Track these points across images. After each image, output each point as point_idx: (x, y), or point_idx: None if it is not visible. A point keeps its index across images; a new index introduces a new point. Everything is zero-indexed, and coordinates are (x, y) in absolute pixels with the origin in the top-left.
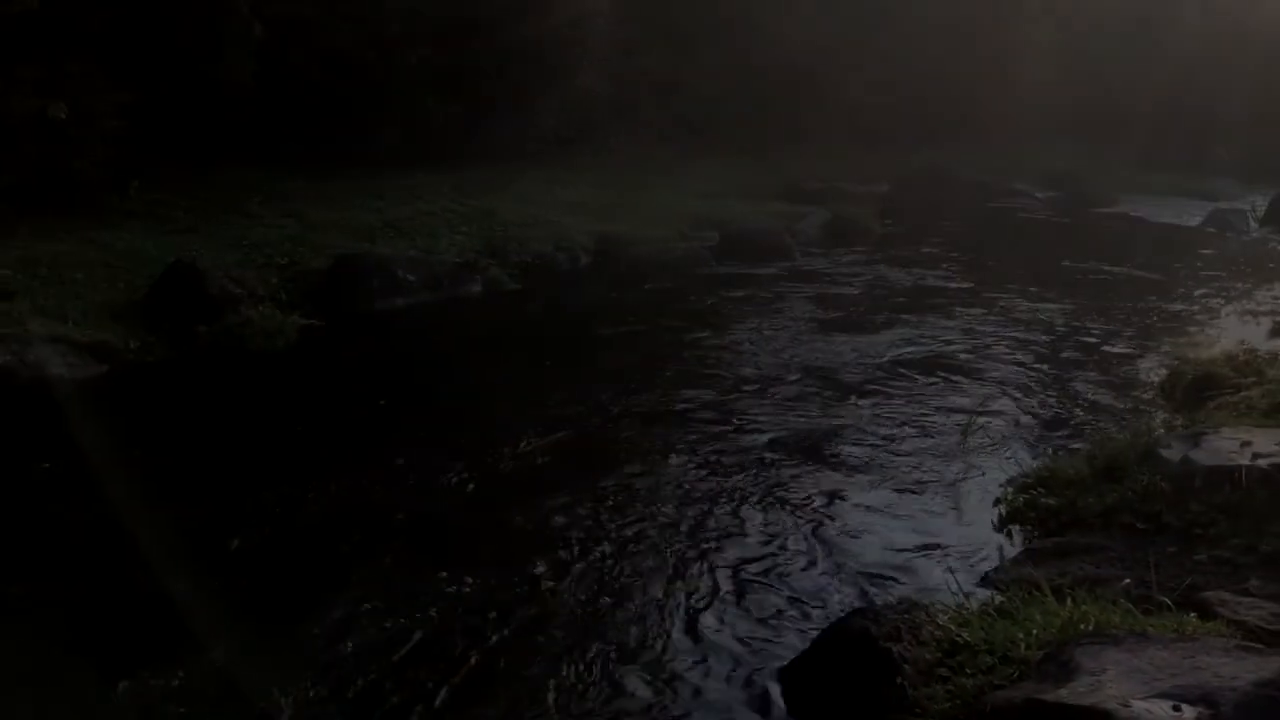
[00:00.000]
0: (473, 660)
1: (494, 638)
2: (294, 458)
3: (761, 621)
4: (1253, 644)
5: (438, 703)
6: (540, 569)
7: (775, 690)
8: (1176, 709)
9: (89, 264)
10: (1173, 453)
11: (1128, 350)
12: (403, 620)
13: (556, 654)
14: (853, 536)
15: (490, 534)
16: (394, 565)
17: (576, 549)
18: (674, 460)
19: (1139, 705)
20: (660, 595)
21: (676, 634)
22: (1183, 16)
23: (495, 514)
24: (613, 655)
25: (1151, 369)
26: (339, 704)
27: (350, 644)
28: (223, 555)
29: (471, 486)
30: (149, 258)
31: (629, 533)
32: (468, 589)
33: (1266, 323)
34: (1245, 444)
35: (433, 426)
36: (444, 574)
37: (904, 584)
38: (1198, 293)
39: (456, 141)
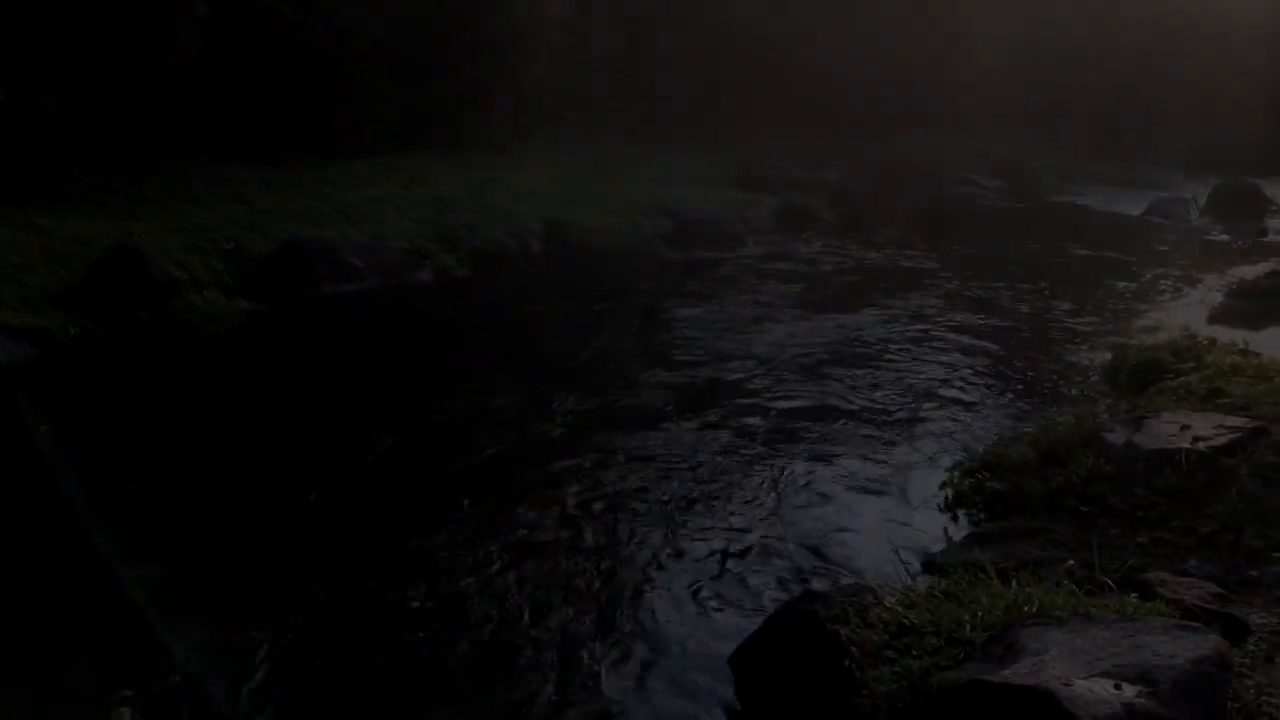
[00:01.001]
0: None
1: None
2: (225, 443)
3: (711, 605)
4: (1190, 623)
5: None
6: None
7: (725, 672)
8: (1117, 687)
9: (27, 249)
10: (1116, 437)
11: (1073, 336)
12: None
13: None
14: (801, 520)
15: (396, 511)
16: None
17: (523, 537)
18: (616, 445)
19: (1081, 684)
20: (609, 580)
21: (627, 618)
22: (1131, 11)
23: (408, 494)
24: (554, 651)
25: (1096, 354)
26: None
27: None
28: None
29: (392, 471)
30: (90, 243)
31: (565, 522)
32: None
33: (1205, 309)
34: (1185, 428)
35: (368, 411)
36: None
37: (852, 567)
38: (1140, 280)
39: (410, 129)
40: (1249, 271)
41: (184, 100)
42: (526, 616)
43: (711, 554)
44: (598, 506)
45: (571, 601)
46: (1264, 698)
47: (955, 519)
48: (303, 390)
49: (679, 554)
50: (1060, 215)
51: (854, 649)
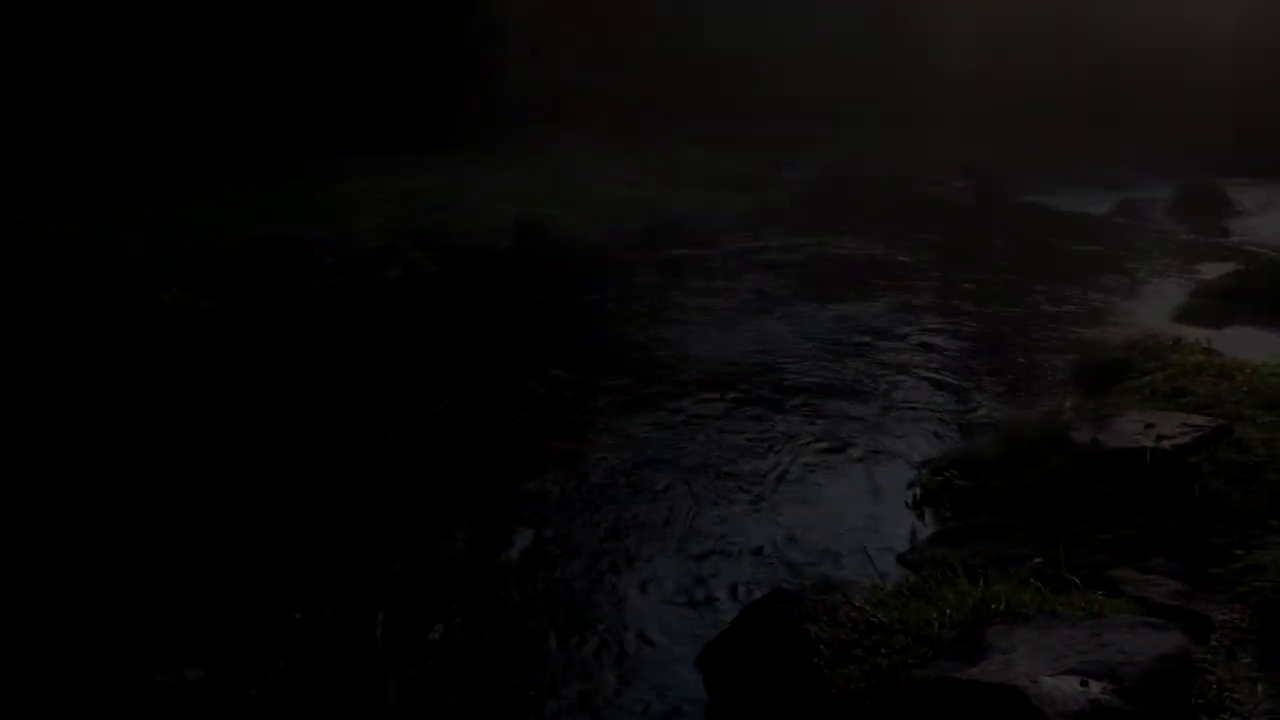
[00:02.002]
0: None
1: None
2: (180, 438)
3: (680, 603)
4: (1155, 620)
5: None
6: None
7: (694, 671)
8: (1083, 684)
9: None
10: (1081, 435)
11: (1038, 334)
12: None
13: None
14: (768, 519)
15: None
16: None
17: (472, 537)
18: (583, 445)
19: (1047, 682)
20: (573, 581)
21: (593, 618)
22: (1101, 13)
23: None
24: (515, 653)
25: (1061, 353)
26: None
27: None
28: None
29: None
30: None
31: (531, 518)
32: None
33: (1169, 309)
34: (1149, 426)
35: (330, 407)
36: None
37: (821, 565)
38: (1105, 280)
39: (380, 127)
40: (1212, 271)
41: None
42: (483, 619)
43: (679, 553)
44: (556, 503)
45: (534, 603)
46: (1226, 693)
47: (923, 517)
48: (261, 385)
49: (645, 554)
50: (1027, 215)
51: (822, 647)
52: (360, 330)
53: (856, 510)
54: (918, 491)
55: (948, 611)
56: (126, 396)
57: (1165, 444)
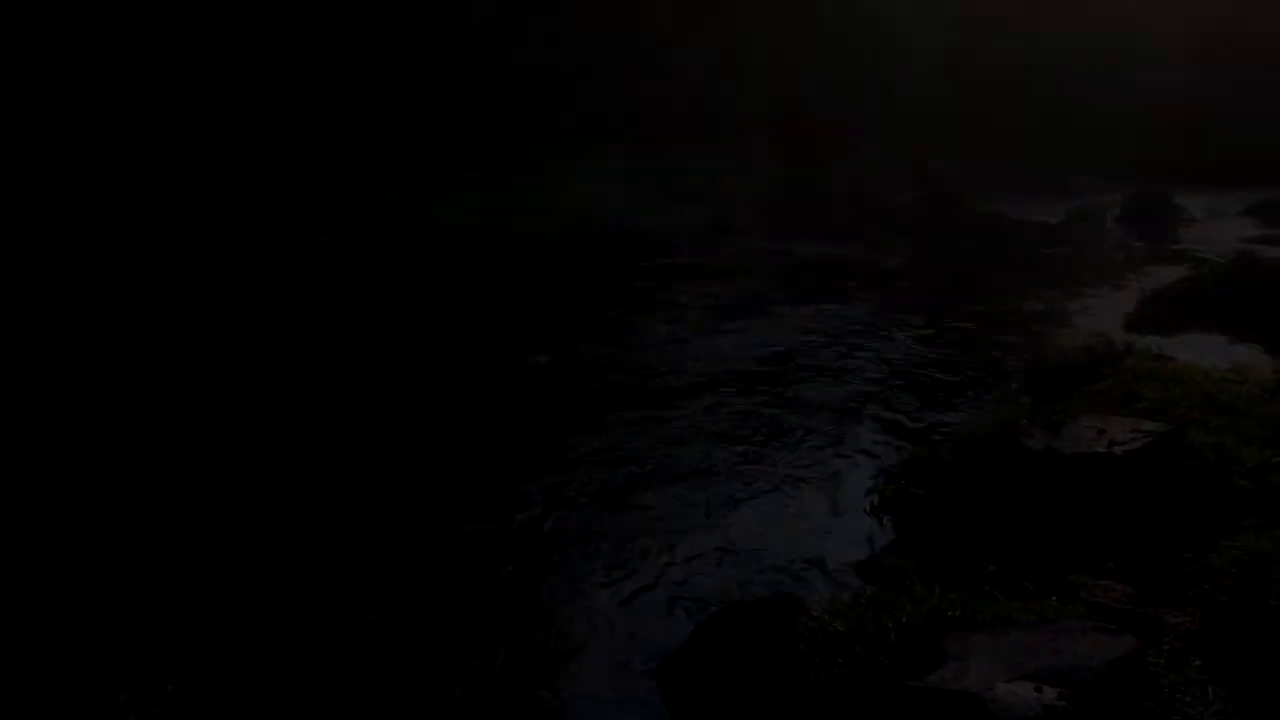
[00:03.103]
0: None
1: None
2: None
3: (639, 619)
4: (1108, 625)
5: None
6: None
7: (654, 684)
8: (1038, 690)
9: None
10: (1035, 442)
11: (994, 341)
12: None
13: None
14: (727, 532)
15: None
16: None
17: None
18: (533, 456)
19: (1003, 688)
20: (533, 596)
21: (551, 634)
22: (1056, 27)
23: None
24: (468, 681)
25: (1015, 360)
26: None
27: None
28: None
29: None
30: None
31: (485, 540)
32: None
33: (1121, 315)
34: (1102, 432)
35: None
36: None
37: (779, 577)
38: (1060, 286)
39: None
40: (1162, 278)
41: None
42: (439, 638)
43: (638, 569)
44: (519, 517)
45: (493, 617)
46: (1177, 695)
47: (881, 524)
48: None
49: (604, 570)
50: (981, 223)
51: (780, 659)
52: None
53: (814, 521)
54: (875, 500)
55: (904, 620)
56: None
57: (1117, 449)
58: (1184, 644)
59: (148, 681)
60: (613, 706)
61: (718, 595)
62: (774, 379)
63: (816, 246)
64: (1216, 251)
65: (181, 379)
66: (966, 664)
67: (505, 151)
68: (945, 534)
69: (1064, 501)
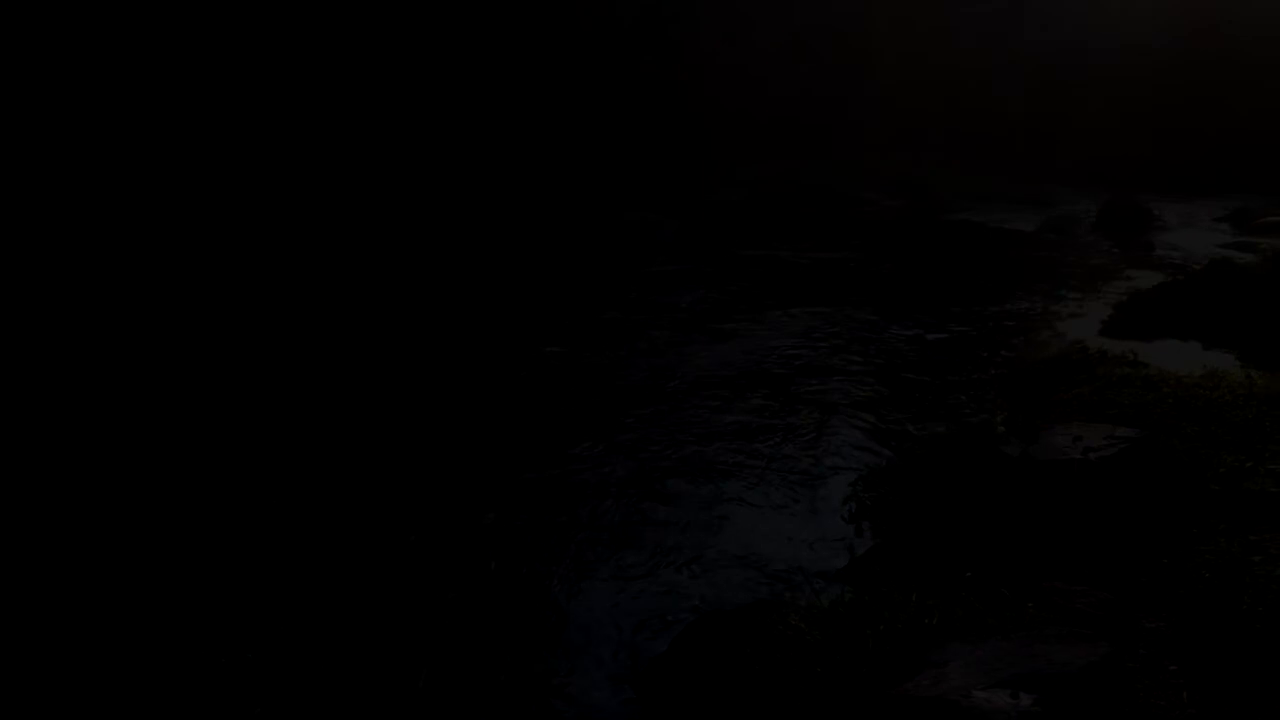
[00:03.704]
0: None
1: None
2: None
3: (619, 628)
4: (1083, 630)
5: None
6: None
7: (630, 693)
8: (1014, 697)
9: None
10: (1012, 448)
11: (971, 348)
12: None
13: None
14: (706, 541)
15: None
16: None
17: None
18: (503, 468)
19: (980, 695)
20: (513, 604)
21: (531, 640)
22: (1032, 37)
23: None
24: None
25: (992, 368)
26: None
27: None
28: None
29: None
30: None
31: (471, 545)
32: None
33: (1096, 323)
34: (1078, 439)
35: None
36: None
37: (758, 585)
38: (1036, 294)
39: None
40: (1137, 285)
41: None
42: (417, 638)
43: (618, 577)
44: (497, 526)
45: (477, 625)
46: (1153, 699)
47: (860, 531)
48: None
49: (586, 579)
50: (960, 231)
51: (758, 668)
52: None
53: (793, 528)
54: (853, 507)
55: (882, 627)
56: None
57: (1092, 456)
58: (1159, 648)
59: (147, 679)
60: (597, 707)
61: (697, 602)
62: (750, 384)
63: (790, 254)
64: (1192, 258)
65: None
66: (944, 671)
67: None
68: (923, 541)
69: (1040, 508)
